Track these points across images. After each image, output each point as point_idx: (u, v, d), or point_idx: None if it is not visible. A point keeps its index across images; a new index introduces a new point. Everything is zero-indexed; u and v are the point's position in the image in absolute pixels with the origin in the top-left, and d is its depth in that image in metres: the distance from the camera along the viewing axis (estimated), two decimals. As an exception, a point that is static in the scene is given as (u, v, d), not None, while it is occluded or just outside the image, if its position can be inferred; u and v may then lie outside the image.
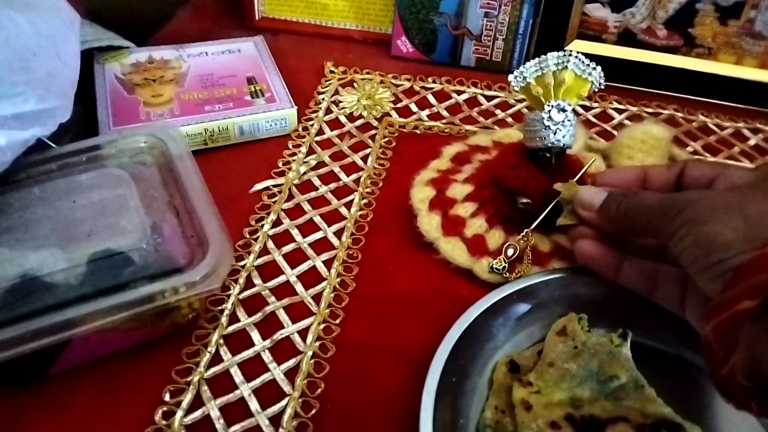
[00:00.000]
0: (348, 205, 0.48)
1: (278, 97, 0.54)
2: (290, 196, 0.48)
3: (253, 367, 0.37)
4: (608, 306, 0.38)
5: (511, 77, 0.43)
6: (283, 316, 0.40)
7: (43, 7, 0.42)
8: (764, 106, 0.60)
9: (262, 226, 0.46)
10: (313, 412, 0.35)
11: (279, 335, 0.39)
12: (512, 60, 0.62)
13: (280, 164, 0.51)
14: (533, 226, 0.42)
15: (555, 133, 0.40)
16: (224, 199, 0.42)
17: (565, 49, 0.55)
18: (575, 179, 0.40)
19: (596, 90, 0.42)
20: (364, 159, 0.52)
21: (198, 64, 0.57)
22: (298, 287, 0.42)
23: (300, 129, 0.54)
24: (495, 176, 0.43)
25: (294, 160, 0.51)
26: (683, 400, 0.34)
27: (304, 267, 0.43)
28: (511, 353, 0.37)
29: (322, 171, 0.51)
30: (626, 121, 0.58)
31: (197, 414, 0.35)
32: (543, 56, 0.41)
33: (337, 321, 0.40)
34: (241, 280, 0.42)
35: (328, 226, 0.46)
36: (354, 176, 0.50)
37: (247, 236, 0.45)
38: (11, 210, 0.38)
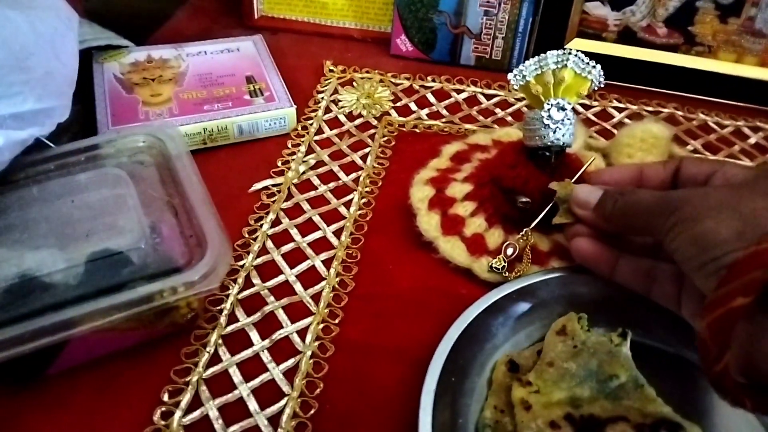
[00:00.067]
0: (347, 205, 0.48)
1: (277, 96, 0.54)
2: (289, 196, 0.48)
3: (252, 367, 0.37)
4: (608, 305, 0.38)
5: (510, 76, 0.42)
6: (282, 315, 0.40)
7: (42, 6, 0.42)
8: (764, 105, 0.60)
9: (261, 225, 0.45)
10: (312, 412, 0.35)
11: (278, 335, 0.38)
12: (512, 58, 0.62)
13: (279, 164, 0.51)
14: (533, 225, 0.41)
15: (554, 132, 0.40)
16: (223, 199, 0.42)
17: (565, 47, 0.55)
18: (574, 179, 0.40)
19: (596, 88, 0.42)
20: (364, 158, 0.52)
21: (197, 63, 0.57)
22: (297, 287, 0.42)
23: (299, 128, 0.54)
24: (494, 175, 0.43)
25: (293, 160, 0.51)
26: (683, 399, 0.34)
27: (303, 267, 0.43)
28: (511, 353, 0.37)
29: (321, 170, 0.51)
30: (626, 120, 0.58)
31: (196, 414, 0.34)
32: (542, 55, 0.41)
33: (336, 321, 0.40)
34: (240, 280, 0.42)
35: (328, 226, 0.46)
36: (353, 175, 0.50)
37: (246, 236, 0.45)
38: (10, 210, 0.38)
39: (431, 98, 0.59)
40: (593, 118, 0.58)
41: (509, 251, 0.41)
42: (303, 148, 0.52)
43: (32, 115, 0.39)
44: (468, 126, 0.56)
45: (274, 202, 0.47)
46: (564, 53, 0.41)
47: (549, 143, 0.40)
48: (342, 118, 0.56)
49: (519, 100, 0.59)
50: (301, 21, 0.67)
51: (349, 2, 0.65)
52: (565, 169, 0.41)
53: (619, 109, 0.59)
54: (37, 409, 0.34)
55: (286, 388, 0.36)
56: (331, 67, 0.62)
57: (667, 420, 0.31)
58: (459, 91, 0.60)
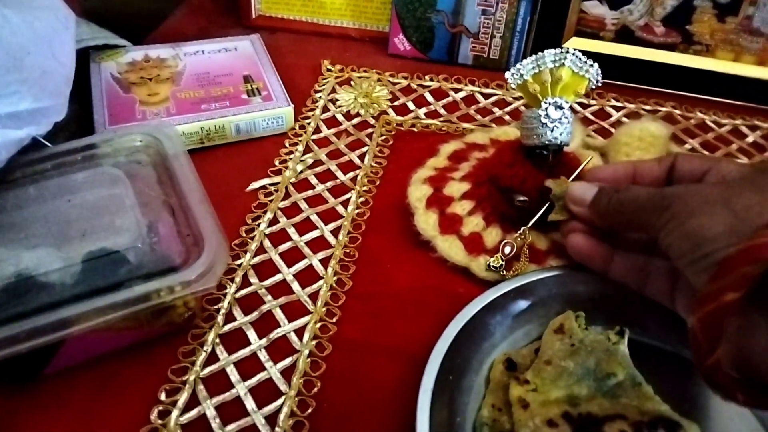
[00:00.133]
0: (345, 204, 0.48)
1: (275, 95, 0.54)
2: (287, 195, 0.48)
3: (249, 366, 0.37)
4: (605, 303, 0.38)
5: (508, 74, 0.42)
6: (279, 314, 0.40)
7: (39, 5, 0.42)
8: (762, 103, 0.60)
9: (259, 224, 0.45)
10: (310, 411, 0.35)
11: (275, 334, 0.38)
12: (509, 57, 0.62)
13: (277, 163, 0.51)
14: (530, 224, 0.41)
15: (552, 131, 0.40)
16: (220, 198, 0.42)
17: (563, 46, 0.55)
18: (571, 177, 0.40)
19: (594, 87, 0.42)
20: (361, 157, 0.52)
21: (194, 62, 0.57)
22: (295, 286, 0.41)
23: (297, 127, 0.54)
24: (492, 174, 0.43)
25: (291, 159, 0.51)
26: (680, 397, 0.34)
27: (300, 266, 0.43)
28: (509, 351, 0.37)
29: (318, 169, 0.51)
30: (624, 119, 0.58)
31: (193, 413, 0.34)
32: (540, 53, 0.41)
33: (334, 320, 0.40)
34: (238, 279, 0.41)
35: (325, 225, 0.46)
36: (351, 174, 0.50)
37: (244, 235, 0.45)
38: (6, 209, 0.38)
39: (429, 97, 0.59)
40: (591, 116, 0.58)
41: (507, 250, 0.41)
42: (301, 148, 0.52)
43: (29, 115, 0.39)
44: (466, 125, 0.56)
45: (271, 201, 0.47)
46: (561, 52, 0.41)
47: (547, 142, 0.40)
48: (340, 117, 0.56)
49: (517, 99, 0.59)
50: (299, 20, 0.67)
51: (346, 2, 0.65)
52: (562, 168, 0.41)
53: (617, 108, 0.59)
54: (35, 409, 0.34)
55: (283, 387, 0.36)
56: (329, 67, 0.62)
57: (664, 418, 0.31)
58: (457, 90, 0.60)
